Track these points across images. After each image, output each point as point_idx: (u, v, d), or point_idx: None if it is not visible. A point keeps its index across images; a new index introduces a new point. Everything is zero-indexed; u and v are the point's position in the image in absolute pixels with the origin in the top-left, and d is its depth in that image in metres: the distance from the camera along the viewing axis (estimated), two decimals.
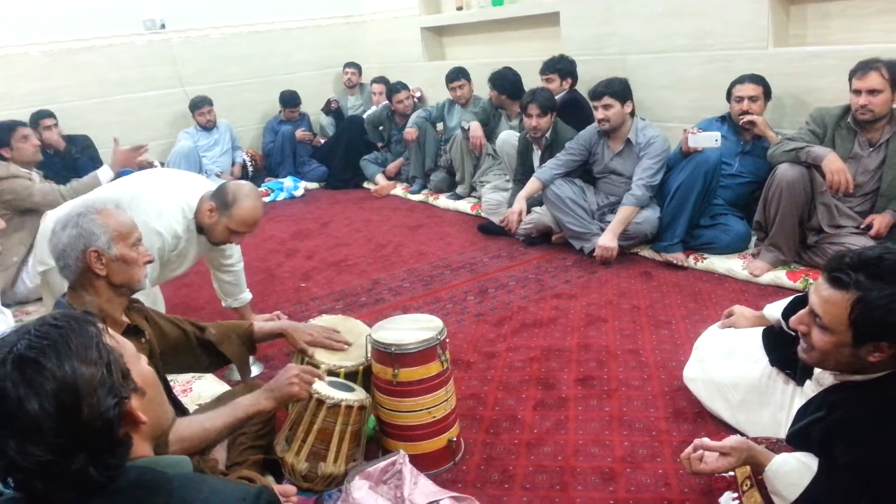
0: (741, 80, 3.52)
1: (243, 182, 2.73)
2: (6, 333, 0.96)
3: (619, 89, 3.61)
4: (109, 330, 1.02)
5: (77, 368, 0.91)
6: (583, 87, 4.49)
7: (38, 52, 5.58)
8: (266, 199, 5.84)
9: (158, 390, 1.09)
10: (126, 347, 1.05)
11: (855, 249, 1.44)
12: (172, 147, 5.79)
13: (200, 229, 2.63)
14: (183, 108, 6.04)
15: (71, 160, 5.20)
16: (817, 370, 1.65)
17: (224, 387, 2.54)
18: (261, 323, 2.25)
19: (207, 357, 2.09)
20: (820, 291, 1.44)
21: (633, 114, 3.69)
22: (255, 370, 2.77)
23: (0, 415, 0.88)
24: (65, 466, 0.89)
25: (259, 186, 6.05)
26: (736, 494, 1.74)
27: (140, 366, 1.06)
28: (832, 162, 2.91)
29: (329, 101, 6.73)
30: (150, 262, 1.84)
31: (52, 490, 0.91)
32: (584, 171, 3.93)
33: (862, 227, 3.01)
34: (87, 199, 2.96)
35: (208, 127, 5.96)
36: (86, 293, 1.75)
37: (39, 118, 5.18)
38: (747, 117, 3.43)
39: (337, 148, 6.20)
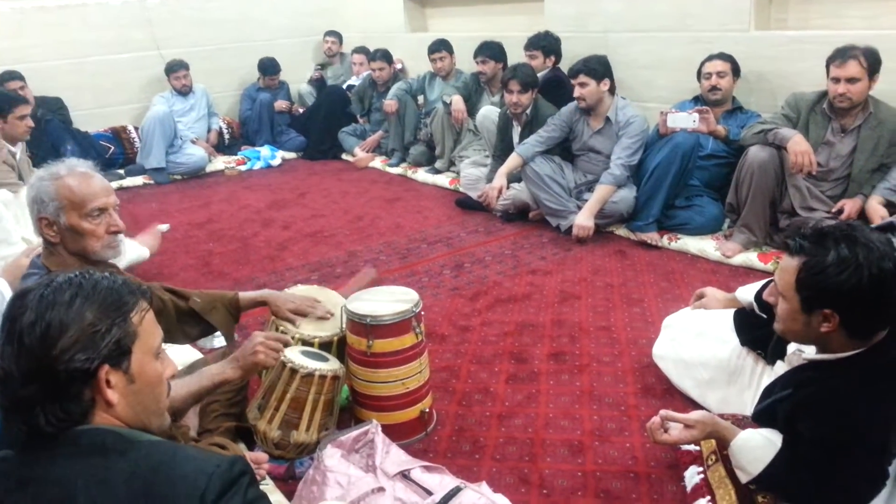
0: (710, 57, 3.59)
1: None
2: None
3: (594, 67, 3.62)
4: (150, 317, 1.07)
5: (81, 313, 0.97)
6: (565, 65, 4.48)
7: (9, 9, 5.43)
8: (242, 168, 5.79)
9: (153, 391, 1.08)
10: (152, 339, 1.07)
11: (816, 222, 1.51)
12: (147, 111, 5.68)
13: None
14: (158, 71, 5.92)
15: (42, 123, 5.08)
16: (790, 350, 1.69)
17: (196, 354, 2.53)
18: (245, 292, 2.22)
19: (193, 327, 2.05)
20: (780, 261, 1.52)
21: (612, 92, 3.70)
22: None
23: (9, 316, 0.98)
24: (17, 389, 0.95)
25: (235, 154, 5.99)
26: (701, 468, 1.78)
27: (149, 360, 1.06)
28: (797, 143, 2.96)
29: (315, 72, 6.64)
30: (116, 232, 1.77)
31: (4, 410, 0.96)
32: (563, 149, 3.94)
33: (833, 211, 3.06)
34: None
35: (184, 92, 5.85)
36: (53, 255, 1.72)
37: (5, 80, 5.03)
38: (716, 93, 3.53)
39: (316, 118, 6.13)
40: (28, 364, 0.95)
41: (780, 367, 1.79)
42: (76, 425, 0.98)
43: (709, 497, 1.67)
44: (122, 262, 3.24)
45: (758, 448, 1.58)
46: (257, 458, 1.74)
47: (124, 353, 1.01)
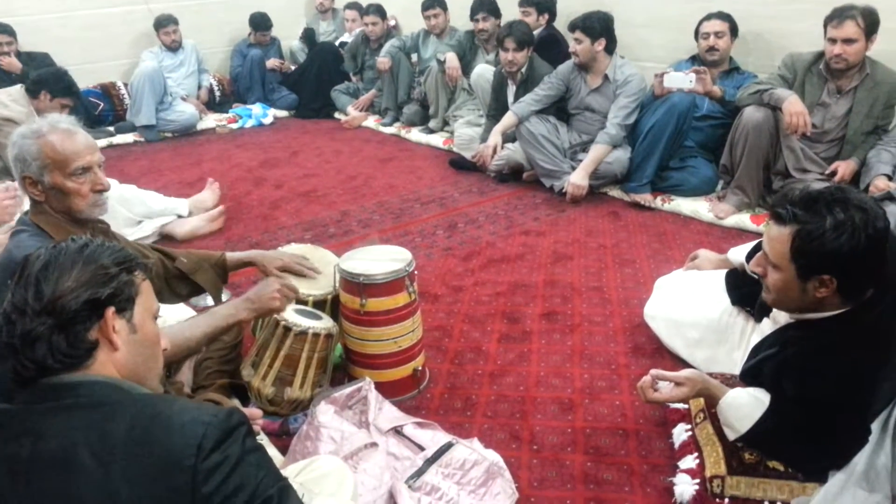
0: (708, 17, 3.53)
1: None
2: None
3: (591, 25, 3.57)
4: (148, 284, 1.13)
5: (90, 261, 1.04)
6: (561, 23, 4.41)
7: None
8: (234, 126, 5.72)
9: (153, 348, 1.12)
10: (151, 301, 1.13)
11: (801, 187, 1.48)
12: (136, 67, 5.58)
13: None
14: (147, 26, 5.79)
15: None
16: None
17: (190, 312, 2.53)
18: (232, 253, 2.22)
19: (182, 287, 2.06)
20: (768, 230, 1.50)
21: (610, 51, 3.65)
22: (223, 297, 2.76)
23: (23, 263, 1.04)
24: (28, 323, 0.98)
25: (226, 112, 5.91)
26: (689, 426, 1.81)
27: (149, 318, 1.12)
28: (792, 104, 2.94)
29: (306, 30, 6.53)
30: (102, 190, 1.74)
31: (10, 349, 0.99)
32: (557, 109, 3.91)
33: (827, 173, 3.06)
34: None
35: (173, 47, 5.74)
36: (40, 213, 1.70)
37: None
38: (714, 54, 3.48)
39: (308, 76, 6.04)
40: (40, 299, 0.99)
41: (767, 326, 1.81)
42: (80, 365, 1.01)
43: (696, 454, 1.70)
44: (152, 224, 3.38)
45: (745, 406, 1.60)
46: (252, 413, 1.75)
47: (129, 300, 1.06)
